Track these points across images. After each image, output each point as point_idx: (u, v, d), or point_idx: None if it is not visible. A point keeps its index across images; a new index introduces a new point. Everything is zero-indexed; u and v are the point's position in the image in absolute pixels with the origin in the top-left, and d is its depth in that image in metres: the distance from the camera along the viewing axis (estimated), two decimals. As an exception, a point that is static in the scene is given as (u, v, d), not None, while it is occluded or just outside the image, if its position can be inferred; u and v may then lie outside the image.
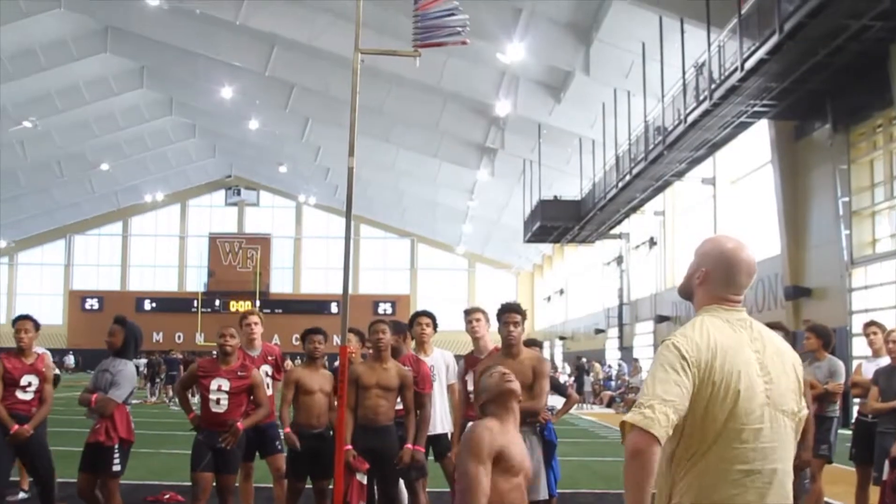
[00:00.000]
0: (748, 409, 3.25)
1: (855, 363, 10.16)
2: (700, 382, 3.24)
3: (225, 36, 39.25)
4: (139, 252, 75.82)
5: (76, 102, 48.73)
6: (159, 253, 75.62)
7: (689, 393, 3.21)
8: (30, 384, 8.82)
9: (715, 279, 3.47)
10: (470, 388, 8.09)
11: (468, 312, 8.41)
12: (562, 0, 30.39)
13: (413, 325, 9.16)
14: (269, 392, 9.32)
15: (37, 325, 8.94)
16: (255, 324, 9.56)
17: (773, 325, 8.69)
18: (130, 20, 39.49)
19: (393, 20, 27.91)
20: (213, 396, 8.51)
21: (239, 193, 75.39)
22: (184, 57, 43.11)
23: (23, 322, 8.89)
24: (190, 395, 9.56)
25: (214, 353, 8.97)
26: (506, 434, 4.94)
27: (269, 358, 9.72)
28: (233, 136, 59.49)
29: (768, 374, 3.32)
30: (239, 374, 8.59)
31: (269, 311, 63.36)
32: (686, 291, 3.59)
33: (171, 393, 33.45)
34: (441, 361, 9.23)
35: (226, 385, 8.53)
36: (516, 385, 5.14)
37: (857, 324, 20.88)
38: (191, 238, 75.66)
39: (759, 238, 28.74)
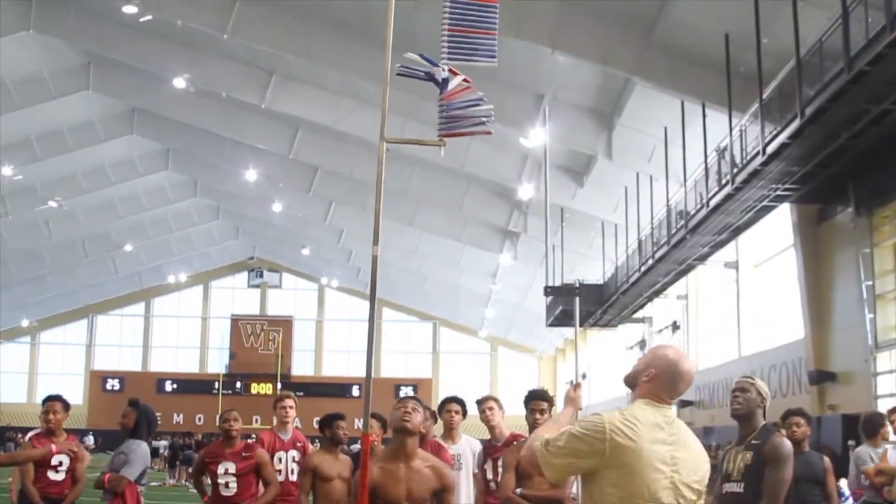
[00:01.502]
0: (652, 489, 3.94)
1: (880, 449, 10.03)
2: (610, 455, 3.95)
3: (250, 119, 39.74)
4: (161, 333, 75.94)
5: (102, 183, 49.25)
6: (181, 334, 75.71)
7: (580, 461, 4.01)
8: (61, 464, 8.83)
9: (660, 381, 4.17)
10: (489, 476, 8.19)
11: (480, 402, 8.52)
12: (584, 86, 30.58)
13: (442, 412, 9.07)
14: (293, 478, 9.30)
15: (66, 406, 9.03)
16: (291, 407, 9.61)
17: (795, 412, 8.70)
18: (157, 102, 40.11)
19: (418, 105, 28.17)
20: (221, 480, 8.66)
21: (261, 275, 75.62)
22: (209, 139, 43.65)
23: (52, 403, 8.95)
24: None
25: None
26: (386, 470, 5.59)
27: (298, 444, 9.66)
28: (256, 218, 59.85)
29: (676, 465, 3.99)
30: (243, 454, 8.72)
31: (289, 393, 62.94)
32: (631, 382, 4.28)
33: (185, 476, 33.44)
34: (468, 449, 9.11)
35: (232, 468, 8.66)
36: (412, 424, 5.73)
37: (881, 409, 20.47)
38: (213, 319, 75.75)
39: (783, 322, 28.57)
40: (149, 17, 31.44)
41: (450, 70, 6.59)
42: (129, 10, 30.73)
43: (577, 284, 39.06)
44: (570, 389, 5.03)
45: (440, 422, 9.26)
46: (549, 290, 6.70)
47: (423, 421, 5.91)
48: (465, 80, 6.59)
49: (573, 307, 35.91)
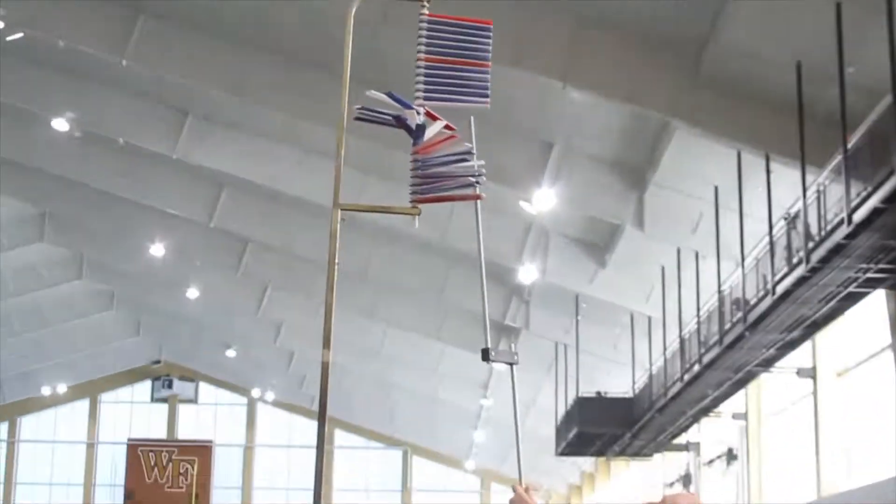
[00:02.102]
0: None
1: None
2: None
3: (157, 174, 39.92)
4: (30, 464, 75.12)
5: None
6: (58, 465, 74.93)
7: None
8: None
9: None
10: None
11: None
12: (605, 131, 30.71)
13: None
14: None
15: None
16: None
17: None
18: (29, 151, 40.10)
19: (383, 157, 28.22)
20: None
21: (170, 386, 75.17)
22: (100, 202, 43.49)
23: None
24: None
25: None
26: None
27: None
28: (164, 308, 59.63)
29: None
30: None
31: (206, 547, 62.11)
32: None
33: None
34: None
35: None
36: None
37: None
38: (102, 445, 75.05)
39: (877, 450, 28.27)
40: (19, 36, 31.35)
41: (427, 113, 6.55)
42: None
43: (597, 394, 39.10)
44: (518, 490, 5.45)
45: None
46: (487, 354, 6.70)
47: None
48: (447, 128, 6.56)
49: (594, 428, 36.02)
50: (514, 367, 6.81)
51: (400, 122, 6.53)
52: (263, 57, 30.75)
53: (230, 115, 35.52)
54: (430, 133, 6.54)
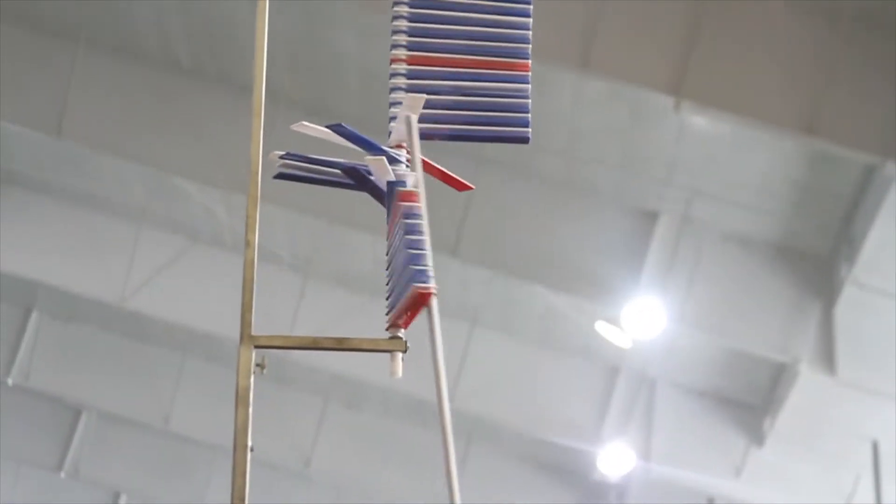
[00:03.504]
0: None
1: None
2: None
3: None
4: None
5: None
6: None
7: None
8: None
9: None
10: None
11: None
12: (755, 190, 25.53)
13: None
14: None
15: None
16: None
17: None
18: None
19: (339, 244, 26.04)
20: None
21: None
22: None
23: None
24: None
25: None
26: None
27: None
28: None
29: None
30: None
31: None
32: None
33: None
34: None
35: None
36: None
37: None
38: None
39: None
40: None
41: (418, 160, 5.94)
42: None
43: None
44: None
45: None
46: None
47: None
48: (448, 180, 6.09)
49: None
50: None
51: (359, 180, 5.68)
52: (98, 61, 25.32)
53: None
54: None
